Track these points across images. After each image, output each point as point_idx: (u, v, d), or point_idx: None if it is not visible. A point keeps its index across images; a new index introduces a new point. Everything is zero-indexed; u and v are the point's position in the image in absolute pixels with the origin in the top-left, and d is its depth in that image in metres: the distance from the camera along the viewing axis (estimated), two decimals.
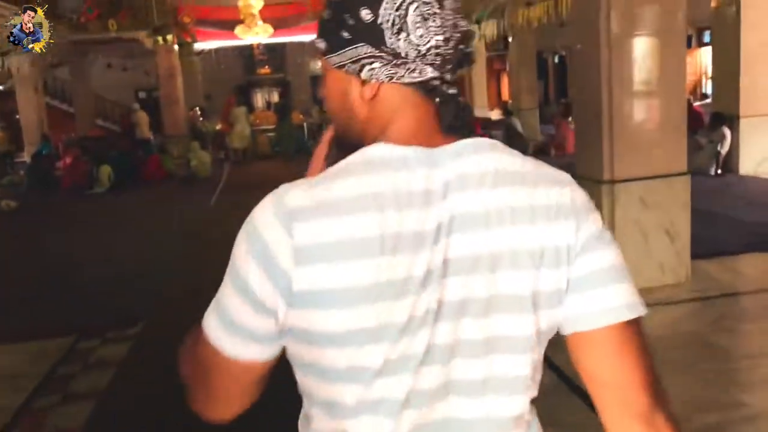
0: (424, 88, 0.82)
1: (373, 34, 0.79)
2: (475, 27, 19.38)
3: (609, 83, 4.44)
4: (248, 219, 0.80)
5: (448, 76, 0.83)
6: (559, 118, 12.97)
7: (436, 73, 0.81)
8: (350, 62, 0.81)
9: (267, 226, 0.77)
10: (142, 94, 27.57)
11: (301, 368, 0.83)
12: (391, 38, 0.79)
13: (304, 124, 18.07)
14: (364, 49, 0.80)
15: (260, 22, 17.08)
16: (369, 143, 0.82)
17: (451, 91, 0.84)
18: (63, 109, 25.15)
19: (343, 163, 0.80)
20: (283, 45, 24.91)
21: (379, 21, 0.78)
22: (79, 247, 7.39)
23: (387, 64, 0.80)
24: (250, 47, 23.62)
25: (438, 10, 0.79)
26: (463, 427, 0.83)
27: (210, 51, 20.77)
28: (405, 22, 0.78)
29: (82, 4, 17.00)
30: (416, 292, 0.77)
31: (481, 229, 0.79)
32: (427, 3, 0.78)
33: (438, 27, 0.79)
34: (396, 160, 0.79)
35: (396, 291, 0.76)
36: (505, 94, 28.76)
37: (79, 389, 3.73)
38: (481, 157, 0.81)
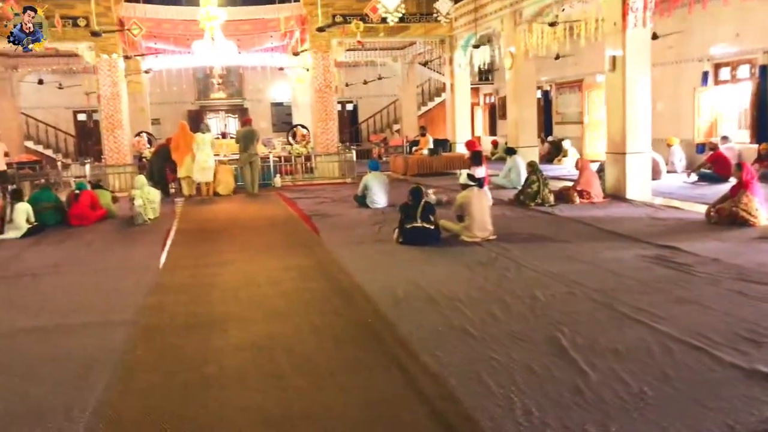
0: None
1: None
2: (464, 54, 17.55)
3: None
4: None
5: None
6: (583, 159, 11.01)
7: None
8: None
9: None
10: (81, 116, 24.65)
11: None
12: None
13: (270, 155, 15.77)
14: None
15: (222, 39, 14.70)
16: None
17: None
18: None
19: None
20: (241, 67, 22.53)
21: None
22: None
23: None
24: (203, 68, 21.14)
25: None
26: None
27: (159, 71, 18.19)
28: None
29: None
30: None
31: None
32: None
33: None
34: None
35: None
36: (477, 129, 27.11)
37: None
38: None
